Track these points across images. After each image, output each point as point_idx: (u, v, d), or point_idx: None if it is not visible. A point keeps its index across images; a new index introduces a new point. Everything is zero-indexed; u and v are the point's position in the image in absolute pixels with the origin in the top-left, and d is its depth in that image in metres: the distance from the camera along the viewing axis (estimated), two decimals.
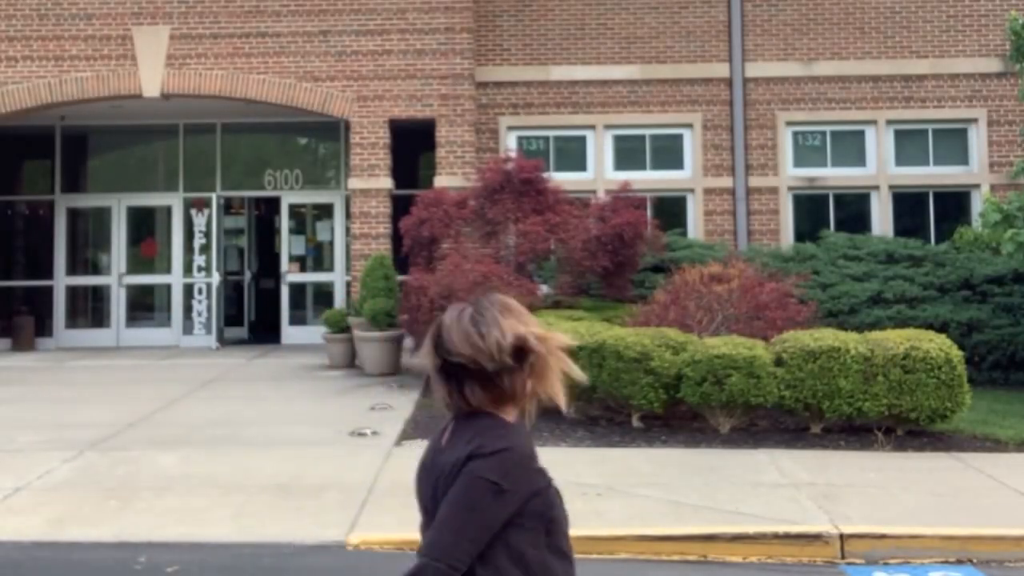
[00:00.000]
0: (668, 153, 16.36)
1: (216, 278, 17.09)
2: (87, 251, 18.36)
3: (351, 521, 6.84)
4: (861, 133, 16.29)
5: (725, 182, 16.11)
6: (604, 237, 12.97)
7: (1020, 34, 12.27)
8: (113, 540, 6.53)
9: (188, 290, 17.60)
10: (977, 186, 15.95)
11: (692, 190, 16.18)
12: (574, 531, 2.50)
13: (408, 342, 13.79)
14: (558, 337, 2.41)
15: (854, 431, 9.48)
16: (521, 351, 2.33)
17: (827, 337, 9.49)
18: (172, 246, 17.79)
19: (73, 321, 17.81)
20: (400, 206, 14.76)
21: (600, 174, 16.12)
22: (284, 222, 18.24)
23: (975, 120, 16.12)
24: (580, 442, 9.33)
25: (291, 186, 17.86)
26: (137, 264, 17.97)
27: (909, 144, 16.29)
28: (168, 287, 17.78)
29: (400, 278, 14.10)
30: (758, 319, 10.64)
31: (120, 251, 17.78)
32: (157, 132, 17.83)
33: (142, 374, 13.98)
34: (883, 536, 6.59)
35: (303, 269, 18.01)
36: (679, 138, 16.36)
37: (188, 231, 17.73)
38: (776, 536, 6.54)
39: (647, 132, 16.33)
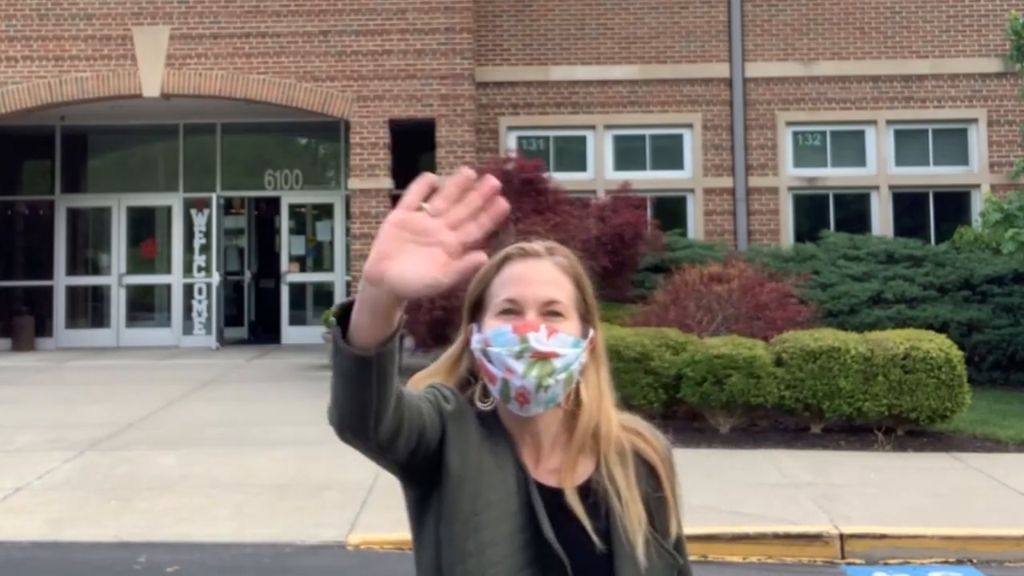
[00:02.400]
0: (668, 153, 16.35)
1: (216, 278, 17.08)
2: (87, 251, 18.36)
3: (351, 521, 6.84)
4: (861, 133, 16.28)
5: (725, 182, 16.10)
6: (604, 237, 12.97)
7: (1020, 34, 12.27)
8: (113, 540, 6.53)
9: (188, 290, 17.59)
10: (977, 186, 15.95)
11: (692, 190, 16.18)
12: None
13: (408, 342, 13.77)
14: None
15: (854, 431, 9.48)
16: None
17: (827, 337, 9.49)
18: (172, 246, 17.78)
19: (73, 321, 17.81)
20: None
21: (600, 174, 16.12)
22: (284, 222, 18.24)
23: (975, 120, 16.12)
24: None
25: (291, 186, 17.85)
26: (137, 264, 17.97)
27: (909, 144, 16.29)
28: (168, 287, 17.77)
29: None
30: (758, 319, 10.63)
31: (120, 251, 17.77)
32: (157, 132, 17.82)
33: (142, 374, 13.98)
34: (883, 536, 6.58)
35: (303, 269, 18.01)
36: (679, 138, 16.35)
37: (188, 231, 17.72)
38: (776, 536, 6.53)
39: (647, 132, 16.32)
